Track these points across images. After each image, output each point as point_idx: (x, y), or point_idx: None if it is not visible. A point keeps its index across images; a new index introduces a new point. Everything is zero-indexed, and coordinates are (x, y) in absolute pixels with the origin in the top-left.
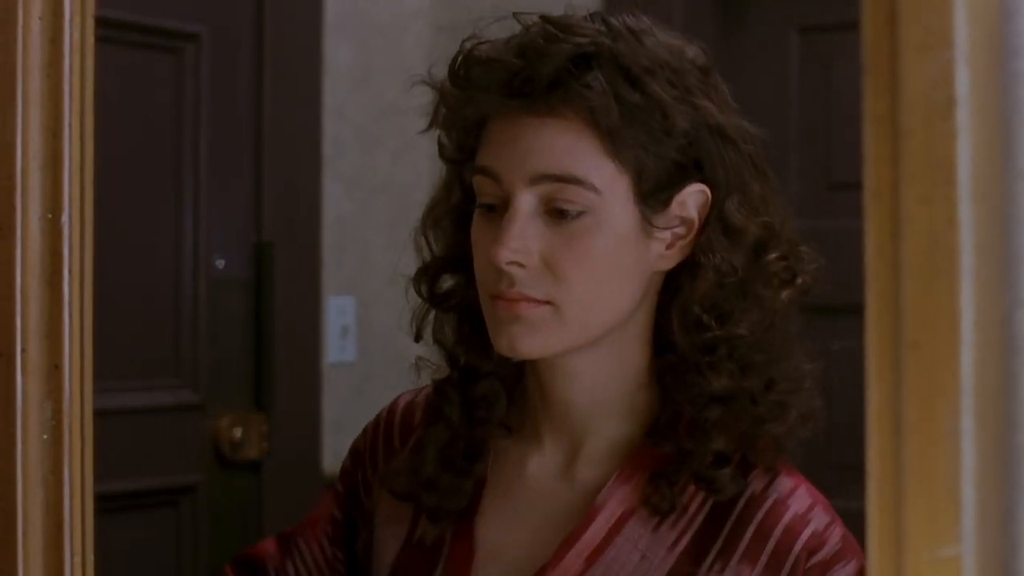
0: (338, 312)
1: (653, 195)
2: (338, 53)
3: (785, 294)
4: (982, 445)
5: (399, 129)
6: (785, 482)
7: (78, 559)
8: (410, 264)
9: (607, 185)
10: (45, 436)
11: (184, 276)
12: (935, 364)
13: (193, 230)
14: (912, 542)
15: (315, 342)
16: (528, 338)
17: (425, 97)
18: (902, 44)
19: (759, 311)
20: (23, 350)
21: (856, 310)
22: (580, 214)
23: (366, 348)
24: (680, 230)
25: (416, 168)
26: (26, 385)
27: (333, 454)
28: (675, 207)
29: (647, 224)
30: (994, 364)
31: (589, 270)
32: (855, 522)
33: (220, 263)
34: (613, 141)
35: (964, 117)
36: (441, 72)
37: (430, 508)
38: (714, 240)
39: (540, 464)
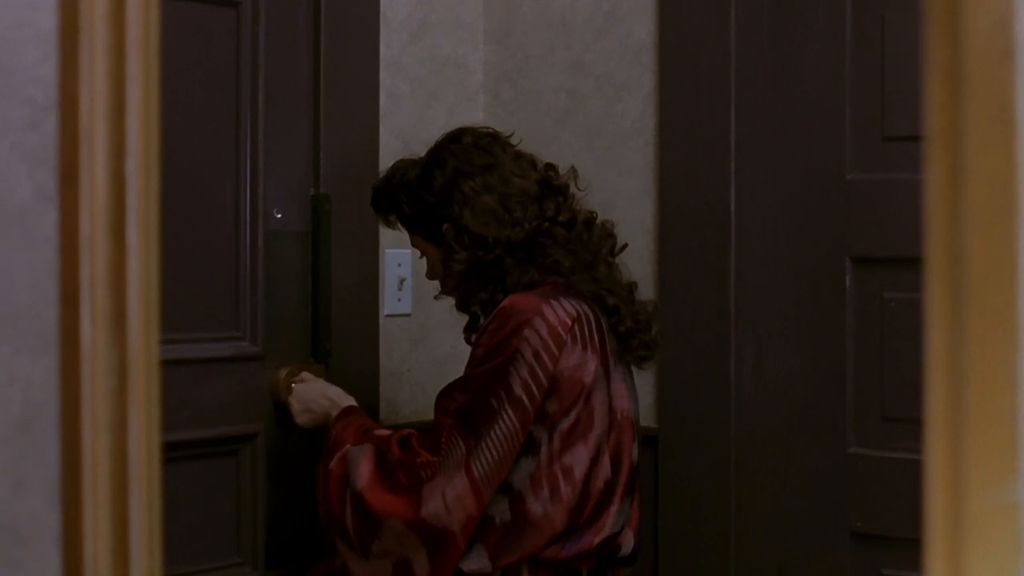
0: (395, 264)
1: None
2: (395, 5)
3: None
4: None
5: (456, 82)
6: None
7: (144, 504)
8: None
9: None
10: (112, 383)
11: (242, 228)
12: (996, 309)
13: (251, 182)
14: (972, 486)
15: (372, 294)
16: None
17: (482, 52)
18: None
19: None
20: (90, 297)
21: (907, 262)
22: None
23: (422, 300)
24: None
25: (472, 121)
26: (93, 332)
27: (389, 404)
28: None
29: None
30: None
31: None
32: (907, 473)
33: (278, 215)
34: None
35: None
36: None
37: None
38: None
39: None
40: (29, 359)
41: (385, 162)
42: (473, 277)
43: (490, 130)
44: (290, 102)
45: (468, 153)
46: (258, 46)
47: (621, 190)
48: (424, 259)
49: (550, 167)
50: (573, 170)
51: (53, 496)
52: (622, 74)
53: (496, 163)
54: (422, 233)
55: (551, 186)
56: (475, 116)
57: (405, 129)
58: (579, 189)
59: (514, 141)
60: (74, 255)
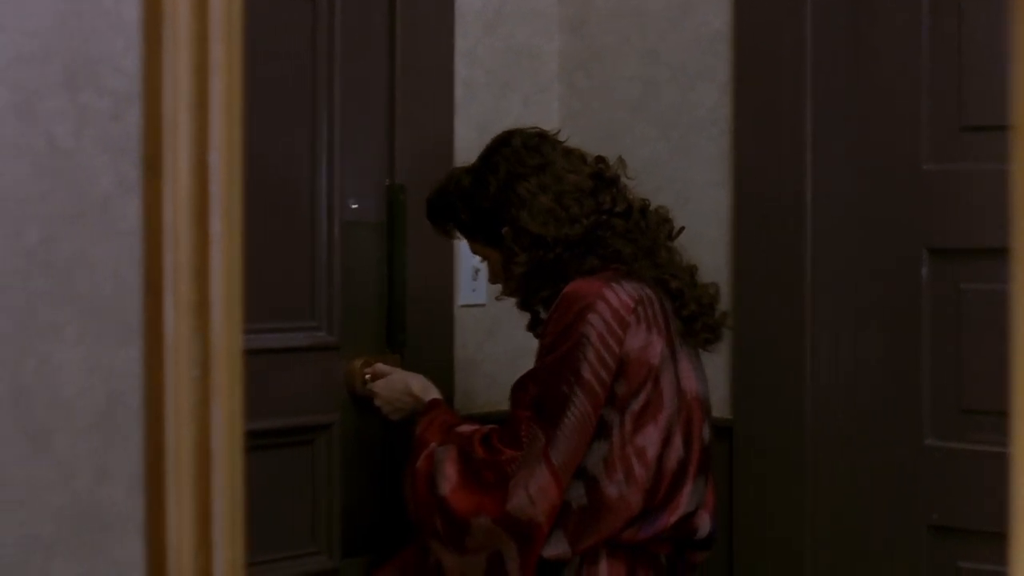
0: (469, 254)
1: None
2: None
3: None
4: None
5: (531, 72)
6: None
7: (227, 492)
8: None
9: None
10: (195, 372)
11: (319, 219)
12: None
13: (327, 173)
14: None
15: (447, 284)
16: None
17: (557, 42)
18: None
19: None
20: (173, 287)
21: (985, 253)
22: None
23: (497, 291)
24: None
25: (547, 111)
26: (176, 321)
27: (464, 394)
28: None
29: None
30: None
31: None
32: (985, 466)
33: (354, 206)
34: None
35: None
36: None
37: None
38: None
39: None
40: (112, 348)
41: (460, 152)
42: (534, 277)
43: (538, 130)
44: (366, 93)
45: (519, 155)
46: (334, 37)
47: (696, 180)
48: (485, 264)
49: (600, 160)
50: (621, 160)
51: (136, 484)
52: (697, 64)
53: (548, 162)
54: (481, 239)
55: (604, 178)
56: (549, 106)
57: (480, 119)
58: (629, 178)
59: (588, 131)
60: (157, 245)
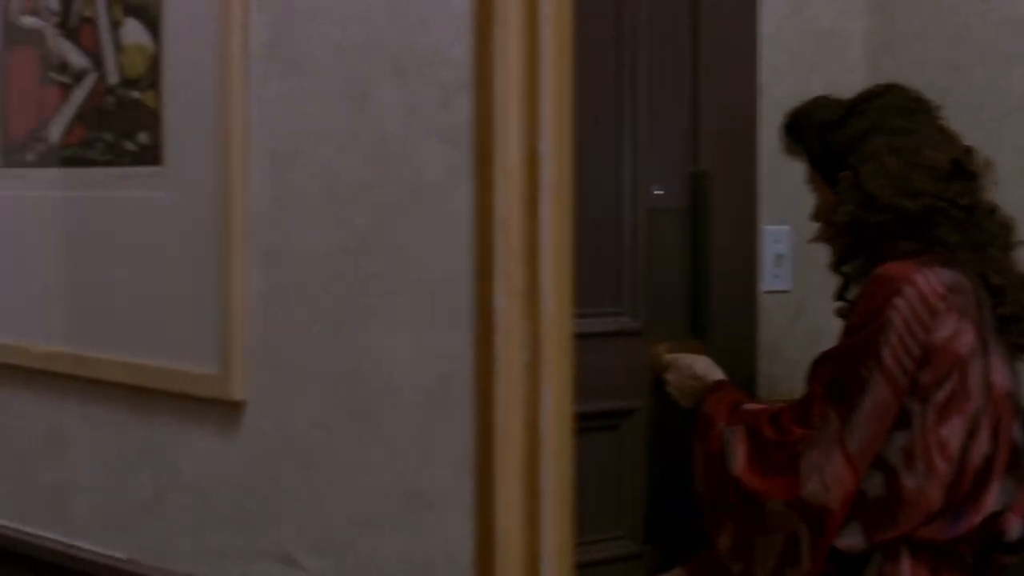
0: (773, 240)
1: None
2: None
3: None
4: None
5: (835, 55)
6: None
7: (557, 476)
8: None
9: None
10: (526, 356)
11: (624, 205)
12: None
13: (632, 159)
14: None
15: (750, 270)
16: None
17: (862, 23)
18: None
19: None
20: (504, 272)
21: None
22: None
23: (801, 276)
24: None
25: (852, 95)
26: (507, 305)
27: (768, 381)
28: None
29: None
30: None
31: None
32: None
33: (658, 192)
34: None
35: None
36: None
37: None
38: None
39: None
40: (441, 332)
41: (764, 137)
42: (851, 234)
43: (919, 94)
44: (670, 79)
45: (887, 111)
46: (638, 23)
47: (1009, 168)
48: (815, 196)
49: (968, 150)
50: (988, 161)
51: (464, 465)
52: (1009, 46)
53: (912, 129)
54: (820, 173)
55: (963, 169)
56: (854, 89)
57: (784, 104)
58: (993, 183)
59: None
60: (488, 231)
